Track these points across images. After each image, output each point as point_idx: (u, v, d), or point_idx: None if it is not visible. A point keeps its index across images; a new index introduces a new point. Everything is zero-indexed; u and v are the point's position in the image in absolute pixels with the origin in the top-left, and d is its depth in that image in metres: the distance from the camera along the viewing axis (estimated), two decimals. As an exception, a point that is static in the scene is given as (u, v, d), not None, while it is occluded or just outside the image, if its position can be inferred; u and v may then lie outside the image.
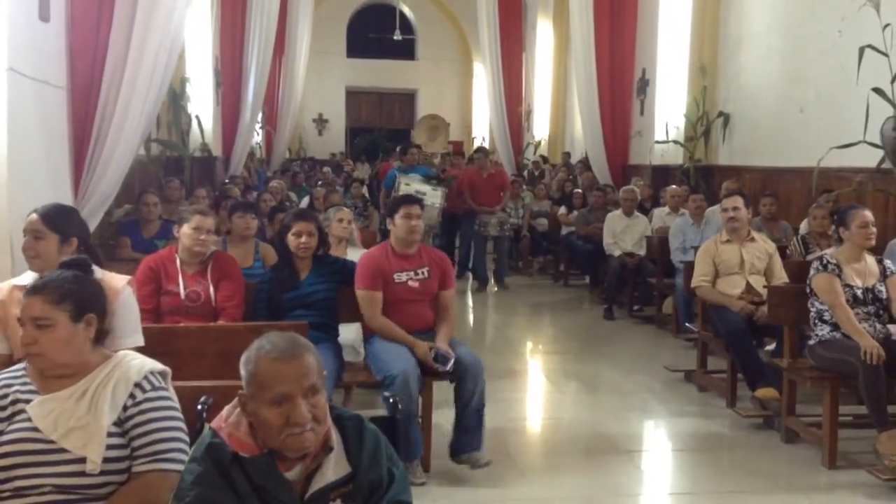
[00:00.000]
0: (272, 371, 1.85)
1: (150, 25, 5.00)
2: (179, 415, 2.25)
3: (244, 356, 1.92)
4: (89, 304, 2.25)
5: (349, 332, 4.51)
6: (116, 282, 3.05)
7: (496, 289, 9.71)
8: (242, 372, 1.91)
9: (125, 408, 2.16)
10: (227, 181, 9.95)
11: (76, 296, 2.23)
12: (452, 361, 3.93)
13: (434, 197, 8.84)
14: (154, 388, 2.21)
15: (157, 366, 2.30)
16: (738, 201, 5.37)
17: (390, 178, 9.62)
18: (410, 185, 8.97)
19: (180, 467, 2.13)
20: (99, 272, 3.07)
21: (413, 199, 4.31)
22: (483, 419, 4.03)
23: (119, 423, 2.15)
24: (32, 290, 2.23)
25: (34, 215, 3.10)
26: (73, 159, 4.96)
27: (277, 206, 6.85)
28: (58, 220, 3.11)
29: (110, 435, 2.13)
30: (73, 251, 3.09)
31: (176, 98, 8.88)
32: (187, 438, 2.22)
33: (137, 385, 2.19)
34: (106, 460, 2.11)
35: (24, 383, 2.21)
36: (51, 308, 2.18)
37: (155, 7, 5.03)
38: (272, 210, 6.42)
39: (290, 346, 1.89)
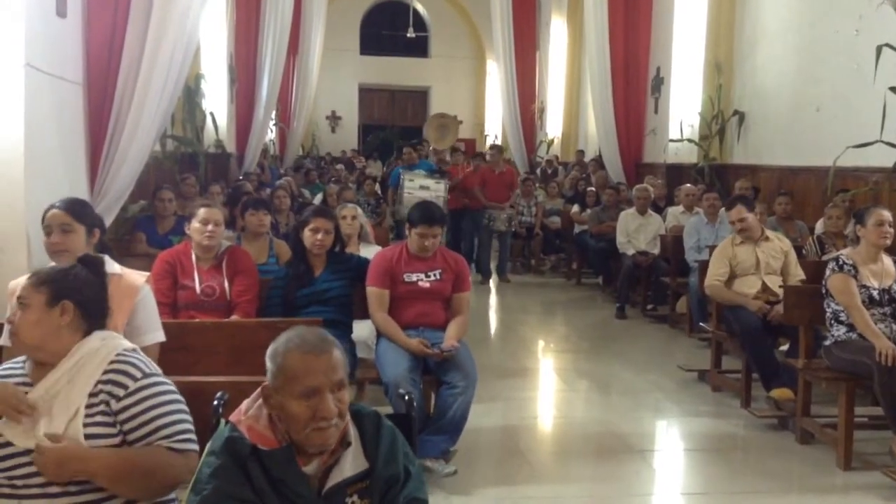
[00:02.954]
0: (302, 364, 1.87)
1: (165, 22, 5.02)
2: (179, 396, 2.21)
3: (271, 348, 1.93)
4: (68, 291, 2.24)
5: (363, 329, 4.52)
6: (135, 278, 3.07)
7: (499, 282, 9.85)
8: (269, 364, 1.92)
9: (117, 398, 2.12)
10: (240, 178, 9.99)
11: (57, 283, 2.24)
12: (454, 349, 3.94)
13: (438, 190, 9.14)
14: (146, 375, 2.17)
15: (126, 343, 2.28)
16: (742, 211, 5.32)
17: (394, 177, 10.10)
18: (414, 180, 9.35)
19: (194, 447, 2.14)
20: (118, 268, 3.09)
21: (434, 220, 4.20)
22: (460, 428, 3.92)
23: (110, 413, 2.12)
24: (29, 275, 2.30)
25: (57, 210, 3.08)
26: (89, 155, 4.99)
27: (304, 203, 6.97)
28: (82, 211, 3.12)
29: (90, 425, 2.09)
30: (96, 242, 3.11)
31: (191, 95, 8.92)
32: (191, 419, 2.20)
33: (124, 373, 2.15)
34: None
35: (21, 374, 2.22)
36: (31, 288, 2.22)
37: (171, 4, 5.04)
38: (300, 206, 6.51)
39: (320, 341, 1.91)
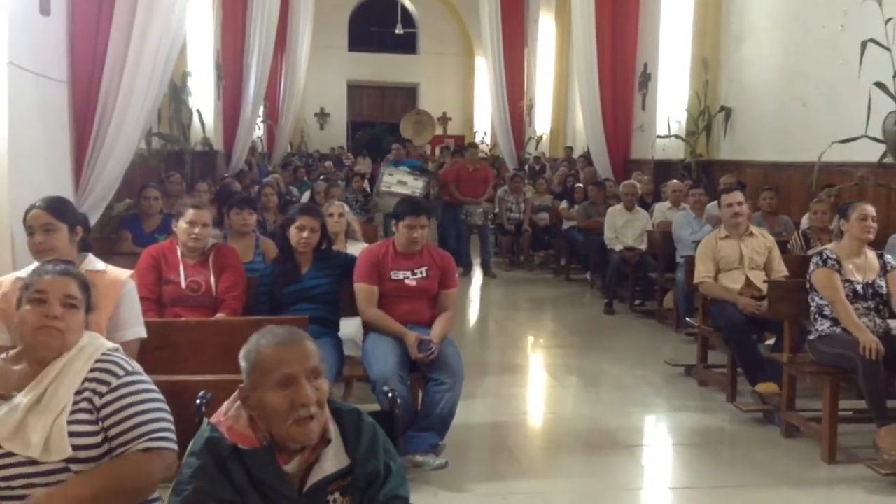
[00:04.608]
0: (275, 355, 1.88)
1: (151, 19, 5.00)
2: (159, 395, 2.23)
3: (244, 349, 1.94)
4: (91, 299, 2.30)
5: (350, 327, 4.52)
6: (119, 274, 3.07)
7: (484, 277, 10.01)
8: (243, 364, 1.92)
9: (100, 395, 2.14)
10: (227, 175, 9.94)
11: (89, 288, 2.30)
12: (435, 350, 3.95)
13: (415, 186, 9.35)
14: (128, 373, 2.19)
15: (108, 343, 2.30)
16: (740, 196, 5.39)
17: (381, 171, 10.40)
18: (394, 174, 9.64)
19: (172, 445, 2.15)
20: (102, 265, 3.08)
21: (419, 210, 4.23)
22: (448, 424, 3.93)
23: (93, 410, 2.13)
24: (65, 272, 2.27)
25: (37, 210, 3.06)
26: (74, 153, 4.96)
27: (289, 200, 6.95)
28: (63, 209, 3.11)
29: (73, 423, 2.10)
30: (79, 240, 3.10)
31: (177, 92, 8.88)
32: (169, 415, 2.21)
33: (100, 370, 2.18)
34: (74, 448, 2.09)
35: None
36: (79, 292, 2.25)
37: (156, 1, 5.02)
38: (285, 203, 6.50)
39: (291, 333, 1.94)
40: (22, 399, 2.12)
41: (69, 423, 2.09)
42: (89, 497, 2.04)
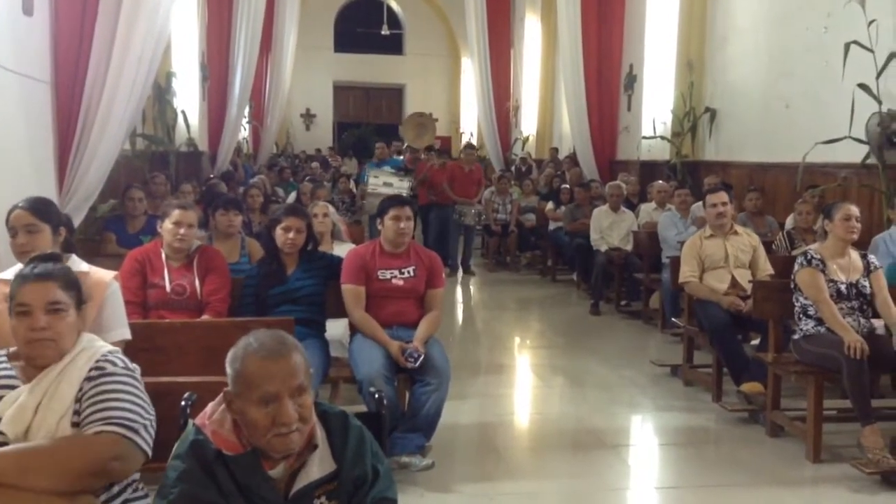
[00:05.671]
0: (260, 370, 1.83)
1: (135, 19, 4.96)
2: (141, 392, 2.19)
3: (230, 354, 1.90)
4: (82, 293, 2.27)
5: (336, 328, 4.50)
6: (103, 275, 3.05)
7: (463, 275, 10.16)
8: (229, 370, 1.89)
9: (80, 389, 2.13)
10: (212, 176, 9.89)
11: (77, 284, 2.26)
12: (421, 358, 3.94)
13: (401, 187, 9.41)
14: (121, 369, 2.19)
15: (108, 346, 2.29)
16: (725, 196, 5.41)
17: (363, 173, 10.49)
18: (379, 177, 9.69)
19: (132, 435, 2.08)
20: (86, 266, 3.06)
21: (402, 201, 4.27)
22: (434, 425, 3.94)
23: (76, 402, 2.13)
24: (43, 276, 2.20)
25: (20, 210, 3.04)
26: (57, 154, 4.93)
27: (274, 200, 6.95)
28: (46, 210, 3.09)
29: (76, 426, 2.10)
30: (62, 241, 3.08)
31: (161, 92, 8.84)
32: (147, 414, 2.16)
33: (95, 368, 2.16)
34: None
35: (4, 368, 2.19)
36: (64, 293, 2.19)
37: (141, 1, 4.99)
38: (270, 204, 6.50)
39: (278, 346, 1.87)
40: (27, 398, 2.10)
41: (73, 424, 2.09)
42: (15, 460, 1.97)
